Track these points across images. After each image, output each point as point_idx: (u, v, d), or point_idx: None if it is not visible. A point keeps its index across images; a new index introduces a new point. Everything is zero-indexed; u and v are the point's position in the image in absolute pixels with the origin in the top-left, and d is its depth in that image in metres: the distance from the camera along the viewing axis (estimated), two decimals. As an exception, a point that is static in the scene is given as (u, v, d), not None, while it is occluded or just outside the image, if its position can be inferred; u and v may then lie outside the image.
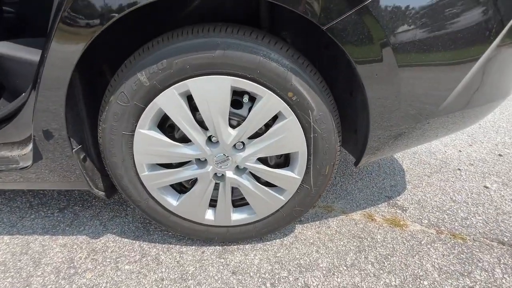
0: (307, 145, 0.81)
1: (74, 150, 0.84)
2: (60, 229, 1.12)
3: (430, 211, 1.17)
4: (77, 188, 0.93)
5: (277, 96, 0.75)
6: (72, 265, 0.97)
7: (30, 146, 0.85)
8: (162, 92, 0.74)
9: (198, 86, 0.73)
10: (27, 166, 0.87)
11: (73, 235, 1.09)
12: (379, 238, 1.04)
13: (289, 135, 0.79)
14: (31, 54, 1.00)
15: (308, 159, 0.83)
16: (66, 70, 0.72)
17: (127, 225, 1.13)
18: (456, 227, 1.09)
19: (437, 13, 0.67)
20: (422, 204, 1.21)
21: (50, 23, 0.73)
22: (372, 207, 1.20)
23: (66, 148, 0.84)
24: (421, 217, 1.14)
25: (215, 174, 0.88)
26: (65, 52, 0.70)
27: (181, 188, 0.97)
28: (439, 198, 1.24)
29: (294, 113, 0.77)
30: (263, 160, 0.89)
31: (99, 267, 0.95)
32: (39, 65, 0.75)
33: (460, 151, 1.64)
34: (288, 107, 0.76)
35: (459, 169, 1.46)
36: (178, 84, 0.73)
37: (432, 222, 1.11)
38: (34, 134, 0.82)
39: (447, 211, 1.17)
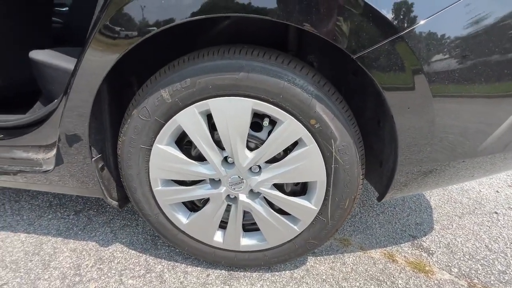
0: (327, 175, 0.76)
1: (93, 159, 0.86)
2: (72, 233, 1.14)
3: (461, 258, 1.05)
4: (93, 195, 0.94)
5: (299, 122, 0.71)
6: (78, 272, 0.96)
7: (55, 150, 0.88)
8: (183, 110, 0.74)
9: (219, 106, 0.72)
10: (49, 170, 0.90)
11: (84, 240, 1.10)
12: (400, 284, 0.94)
13: (308, 163, 0.75)
14: (68, 63, 1.06)
15: (327, 190, 0.78)
16: (95, 80, 0.75)
17: (136, 236, 1.12)
18: (492, 282, 0.96)
19: (481, 46, 0.61)
20: (451, 249, 1.09)
21: (88, 34, 0.76)
22: (394, 246, 1.10)
23: (86, 156, 0.86)
24: (450, 265, 1.02)
25: (228, 195, 0.85)
26: (98, 62, 0.73)
27: (192, 206, 0.95)
28: (472, 244, 1.12)
29: (316, 141, 0.73)
30: (279, 186, 0.85)
31: (103, 277, 0.94)
32: (73, 73, 0.78)
33: (497, 191, 1.48)
34: (309, 134, 0.72)
35: (496, 213, 1.32)
36: (200, 103, 0.73)
37: (464, 272, 0.99)
38: (58, 139, 0.85)
39: (481, 261, 1.04)
